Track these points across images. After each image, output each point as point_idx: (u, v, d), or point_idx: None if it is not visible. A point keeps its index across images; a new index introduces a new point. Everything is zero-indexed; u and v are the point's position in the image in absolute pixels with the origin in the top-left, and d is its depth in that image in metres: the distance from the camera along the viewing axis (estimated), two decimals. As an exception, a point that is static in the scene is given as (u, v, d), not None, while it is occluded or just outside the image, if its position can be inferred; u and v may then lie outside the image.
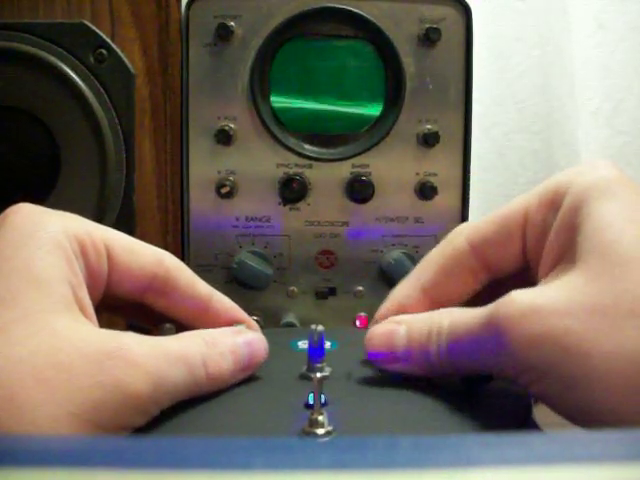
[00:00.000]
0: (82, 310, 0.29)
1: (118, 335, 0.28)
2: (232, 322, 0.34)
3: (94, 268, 0.31)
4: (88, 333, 0.28)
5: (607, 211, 0.30)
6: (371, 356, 0.33)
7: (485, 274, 0.35)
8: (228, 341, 0.31)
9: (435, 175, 0.55)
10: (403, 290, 0.35)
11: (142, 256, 0.33)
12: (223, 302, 0.34)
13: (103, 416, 0.26)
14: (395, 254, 0.55)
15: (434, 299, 0.34)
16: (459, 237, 0.35)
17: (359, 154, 0.54)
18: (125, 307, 0.34)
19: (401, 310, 0.35)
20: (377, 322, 0.35)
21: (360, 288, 0.56)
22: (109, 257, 0.32)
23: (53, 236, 0.30)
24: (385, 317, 0.35)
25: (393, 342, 0.32)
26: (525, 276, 0.34)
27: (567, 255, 0.30)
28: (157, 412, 0.28)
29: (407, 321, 0.33)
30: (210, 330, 0.32)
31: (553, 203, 0.32)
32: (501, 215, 0.34)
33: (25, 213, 0.30)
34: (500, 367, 0.29)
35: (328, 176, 0.55)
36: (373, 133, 0.55)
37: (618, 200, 0.30)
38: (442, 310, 0.32)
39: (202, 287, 0.34)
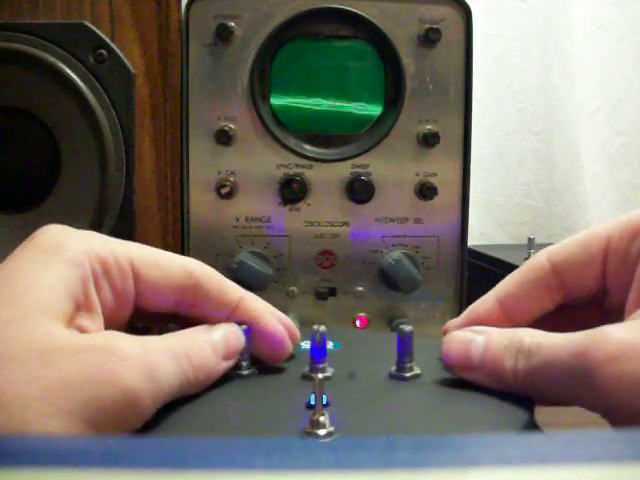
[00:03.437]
0: (82, 331, 0.30)
1: (108, 334, 0.29)
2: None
3: (119, 287, 0.31)
4: (80, 336, 0.28)
5: None
6: (446, 360, 0.33)
7: (561, 294, 0.35)
8: (202, 335, 0.32)
9: (435, 175, 0.55)
10: (482, 298, 0.36)
11: (169, 270, 0.33)
12: (254, 304, 0.34)
13: (96, 413, 0.26)
14: (395, 254, 0.54)
15: (507, 311, 0.35)
16: (541, 254, 0.35)
17: (359, 154, 0.54)
18: (157, 317, 0.34)
19: (476, 317, 0.35)
20: (448, 330, 0.35)
21: (360, 288, 0.56)
22: (135, 275, 0.32)
23: (73, 255, 0.30)
24: (457, 325, 0.35)
25: (470, 351, 0.32)
26: (598, 306, 0.34)
27: None
28: (153, 410, 0.28)
29: (487, 332, 0.33)
30: (185, 330, 0.32)
31: (638, 234, 0.32)
32: (583, 238, 0.34)
33: (53, 233, 0.31)
34: (583, 400, 0.29)
35: (328, 176, 0.55)
36: (373, 133, 0.55)
37: None
38: (524, 329, 0.32)
39: (232, 293, 0.34)
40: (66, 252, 0.30)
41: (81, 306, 0.30)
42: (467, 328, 0.34)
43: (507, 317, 0.35)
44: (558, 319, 0.35)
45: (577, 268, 0.34)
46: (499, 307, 0.35)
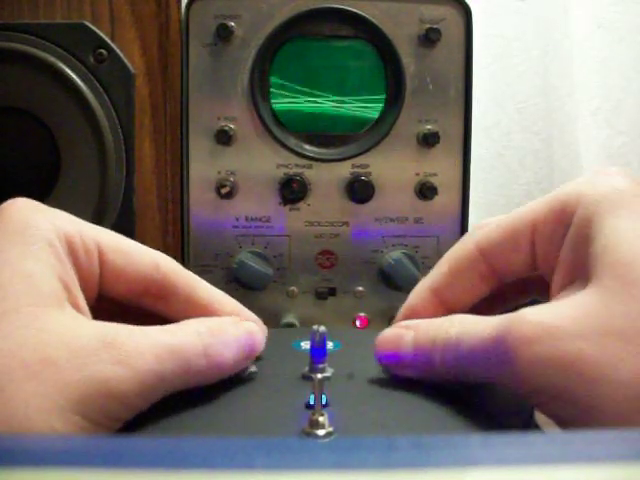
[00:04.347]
0: (75, 306, 0.29)
1: (107, 328, 0.28)
2: None
3: (84, 268, 0.31)
4: (77, 326, 0.28)
5: (620, 227, 0.28)
6: (380, 360, 0.33)
7: (494, 279, 0.34)
8: (231, 330, 0.31)
9: (435, 175, 0.55)
10: (415, 292, 0.35)
11: (137, 260, 0.32)
12: (224, 304, 0.34)
13: (90, 410, 0.26)
14: (395, 254, 0.55)
15: (444, 301, 0.35)
16: (469, 240, 0.35)
17: (359, 154, 0.54)
18: (124, 311, 0.34)
19: (413, 312, 0.35)
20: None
21: (360, 288, 0.56)
22: (101, 258, 0.32)
23: (44, 234, 0.30)
24: (397, 322, 0.35)
25: (400, 347, 0.32)
26: (541, 279, 0.34)
27: (580, 272, 0.29)
28: (146, 406, 0.28)
29: (415, 327, 0.33)
30: (214, 319, 0.32)
31: (562, 215, 0.31)
32: (509, 222, 0.34)
33: (18, 208, 0.31)
34: (506, 384, 0.29)
35: (328, 176, 0.55)
36: (373, 133, 0.55)
37: (632, 214, 0.29)
38: (453, 316, 0.32)
39: (202, 290, 0.34)
40: (39, 232, 0.30)
41: (67, 283, 0.30)
42: (398, 324, 0.34)
43: (444, 306, 0.34)
44: (502, 299, 0.35)
45: (505, 254, 0.34)
46: (434, 297, 0.35)
